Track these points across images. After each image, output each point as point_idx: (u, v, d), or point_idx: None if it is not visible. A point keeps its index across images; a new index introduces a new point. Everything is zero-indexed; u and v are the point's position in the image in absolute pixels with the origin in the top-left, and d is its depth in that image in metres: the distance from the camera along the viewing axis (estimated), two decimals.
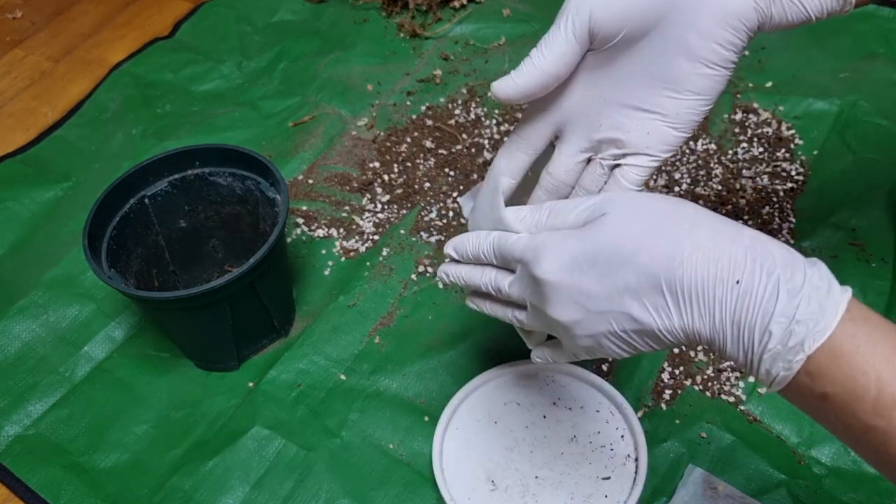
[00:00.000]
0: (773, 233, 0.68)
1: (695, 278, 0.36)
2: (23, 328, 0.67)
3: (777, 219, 0.70)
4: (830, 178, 0.73)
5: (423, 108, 0.83)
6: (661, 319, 0.38)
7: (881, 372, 0.34)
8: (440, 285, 0.68)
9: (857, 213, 0.69)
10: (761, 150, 0.76)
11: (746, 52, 0.85)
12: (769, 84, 0.81)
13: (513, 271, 0.44)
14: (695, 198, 0.72)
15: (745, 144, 0.76)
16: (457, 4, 0.94)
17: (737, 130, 0.78)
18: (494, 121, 0.81)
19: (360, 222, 0.74)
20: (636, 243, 0.37)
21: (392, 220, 0.73)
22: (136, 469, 0.59)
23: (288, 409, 0.61)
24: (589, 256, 0.38)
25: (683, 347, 0.62)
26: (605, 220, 0.39)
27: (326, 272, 0.70)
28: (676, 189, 0.73)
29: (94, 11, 1.01)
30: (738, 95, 0.81)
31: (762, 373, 0.36)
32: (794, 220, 0.69)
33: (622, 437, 0.56)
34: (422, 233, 0.72)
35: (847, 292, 0.36)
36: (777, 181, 0.73)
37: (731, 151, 0.76)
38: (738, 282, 0.35)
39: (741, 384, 0.60)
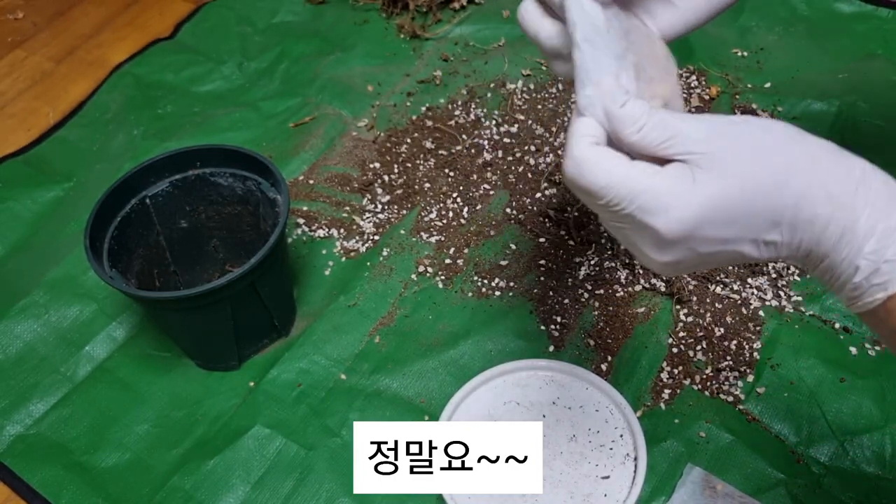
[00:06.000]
0: None
1: (815, 217, 0.36)
2: (24, 328, 0.67)
3: None
4: None
5: (423, 108, 0.84)
6: (768, 255, 0.38)
7: None
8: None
9: None
10: None
11: (745, 53, 0.85)
12: (768, 85, 0.82)
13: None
14: None
15: None
16: (457, 6, 0.95)
17: None
18: (494, 121, 0.81)
19: (361, 222, 0.74)
20: (768, 181, 0.36)
21: (392, 220, 0.74)
22: (137, 468, 0.59)
23: (288, 408, 0.61)
24: (717, 206, 0.36)
25: (682, 346, 0.62)
26: (727, 159, 0.36)
27: (327, 272, 0.71)
28: None
29: (95, 12, 1.01)
30: (737, 96, 0.81)
31: (842, 298, 0.38)
32: None
33: (621, 436, 0.56)
34: (422, 233, 0.72)
35: None
36: None
37: None
38: (847, 219, 0.36)
39: (740, 384, 0.60)
